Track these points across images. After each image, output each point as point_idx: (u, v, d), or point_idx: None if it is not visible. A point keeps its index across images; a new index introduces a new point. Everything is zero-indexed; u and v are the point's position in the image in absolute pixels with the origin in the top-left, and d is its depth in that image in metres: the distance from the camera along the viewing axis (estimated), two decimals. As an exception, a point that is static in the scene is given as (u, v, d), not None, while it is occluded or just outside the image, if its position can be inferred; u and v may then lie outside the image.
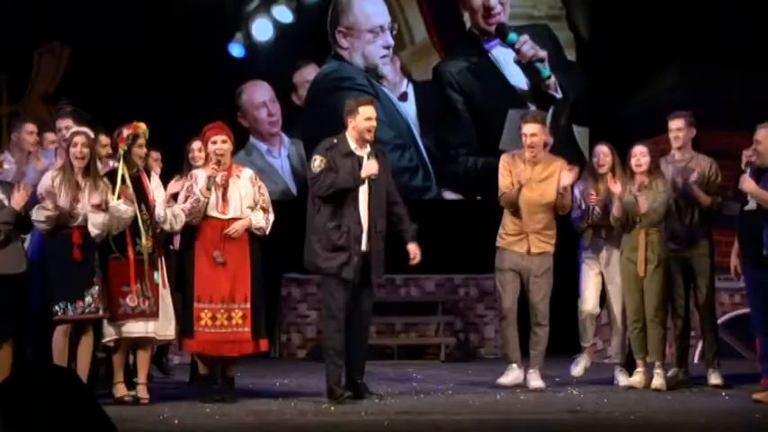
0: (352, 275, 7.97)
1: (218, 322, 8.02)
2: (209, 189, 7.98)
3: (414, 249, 8.28)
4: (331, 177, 7.92)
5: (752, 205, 7.83)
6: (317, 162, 7.96)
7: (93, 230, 7.85)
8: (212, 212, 8.05)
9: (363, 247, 8.01)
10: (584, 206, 8.83)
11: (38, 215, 7.79)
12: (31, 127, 8.70)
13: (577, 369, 9.00)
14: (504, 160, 8.89)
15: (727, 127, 8.66)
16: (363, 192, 8.00)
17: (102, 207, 7.81)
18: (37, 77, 11.28)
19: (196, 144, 8.54)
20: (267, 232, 8.16)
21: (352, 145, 8.03)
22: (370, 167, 7.97)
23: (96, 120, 8.54)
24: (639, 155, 8.59)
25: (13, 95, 11.27)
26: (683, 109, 8.95)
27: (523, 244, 8.69)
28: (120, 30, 11.10)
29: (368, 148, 8.06)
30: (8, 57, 11.15)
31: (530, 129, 8.74)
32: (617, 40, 11.38)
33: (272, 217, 8.19)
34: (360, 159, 8.00)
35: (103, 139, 8.31)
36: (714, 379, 8.65)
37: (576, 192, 8.83)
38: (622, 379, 8.81)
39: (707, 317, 8.82)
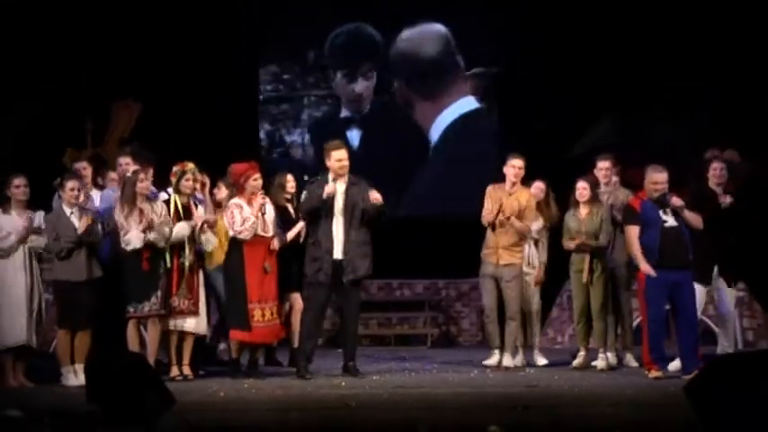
0: (325, 279, 7.97)
1: (266, 317, 8.07)
2: (263, 215, 8.05)
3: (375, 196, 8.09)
4: (306, 203, 8.06)
5: (672, 222, 7.81)
6: (303, 196, 8.09)
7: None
8: (259, 232, 8.09)
9: (337, 255, 7.99)
10: None
11: (128, 242, 7.84)
12: (126, 160, 8.49)
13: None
14: (489, 189, 8.68)
15: (640, 166, 8.66)
16: (338, 213, 8.02)
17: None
18: (115, 126, 11.30)
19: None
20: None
21: (331, 179, 8.05)
22: (327, 189, 7.98)
23: (160, 158, 8.59)
24: (581, 188, 8.56)
25: (96, 140, 11.29)
26: (614, 151, 8.89)
27: (495, 256, 8.62)
28: (181, 89, 11.16)
29: (345, 180, 8.07)
30: (92, 110, 11.18)
31: (518, 162, 8.61)
32: (566, 97, 11.36)
33: None
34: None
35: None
36: (630, 362, 8.60)
37: None
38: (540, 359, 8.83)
39: (626, 312, 8.67)
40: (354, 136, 12.16)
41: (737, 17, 10.88)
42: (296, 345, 8.56)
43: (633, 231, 7.90)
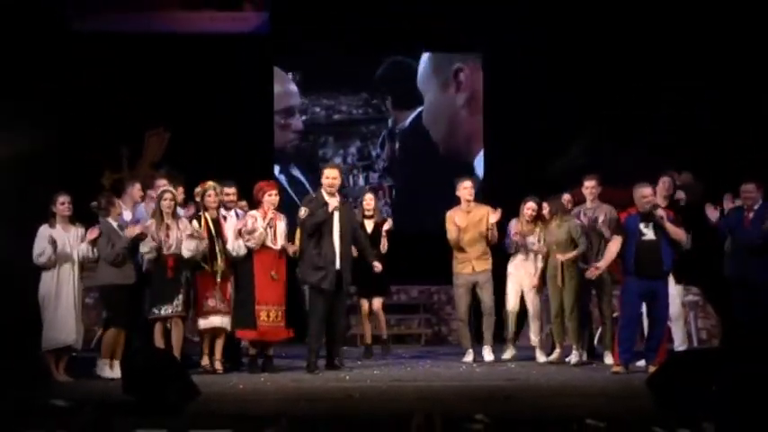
0: (329, 286, 7.98)
1: (271, 318, 8.07)
2: (270, 227, 8.07)
3: (377, 265, 8.38)
4: (311, 218, 7.98)
5: (650, 236, 7.81)
6: (302, 212, 8.03)
7: (187, 252, 7.90)
8: (268, 244, 8.11)
9: (337, 266, 8.01)
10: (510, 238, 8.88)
11: (143, 248, 7.85)
12: (162, 182, 8.46)
13: (506, 354, 9.00)
14: (449, 214, 8.84)
15: (614, 185, 8.63)
16: (336, 229, 8.02)
17: (194, 235, 7.91)
18: (147, 152, 11.31)
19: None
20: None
21: (325, 196, 8.07)
22: (331, 204, 8.00)
23: (187, 179, 8.62)
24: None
25: (131, 164, 11.31)
26: (589, 172, 8.84)
27: (468, 266, 8.74)
28: (204, 120, 11.18)
29: (337, 199, 8.09)
30: (128, 137, 11.20)
31: (468, 184, 8.83)
32: (544, 125, 11.32)
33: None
34: (328, 204, 8.05)
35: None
36: (608, 359, 8.53)
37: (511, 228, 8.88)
38: (540, 356, 8.80)
39: (607, 314, 8.68)
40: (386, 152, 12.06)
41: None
42: (368, 341, 9.09)
43: (615, 240, 7.93)
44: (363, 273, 8.58)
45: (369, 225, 9.07)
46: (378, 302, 9.14)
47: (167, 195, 7.97)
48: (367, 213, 9.11)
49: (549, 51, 11.17)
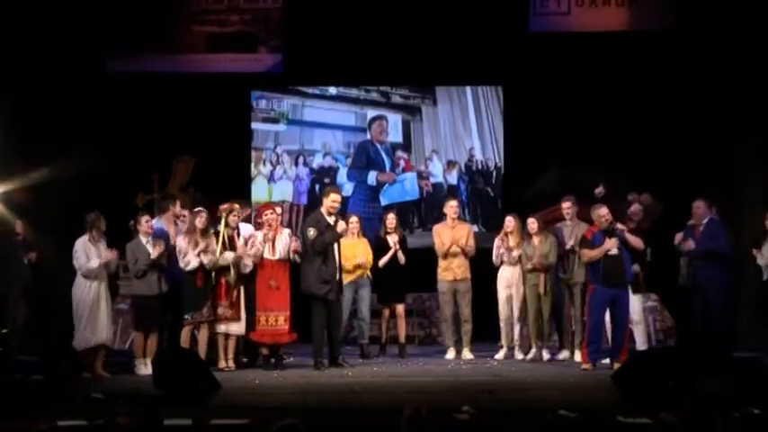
0: (334, 297, 8.03)
1: (270, 323, 8.07)
2: (266, 242, 8.08)
3: (342, 224, 8.15)
4: (321, 239, 7.96)
5: (614, 251, 7.84)
6: (312, 232, 8.00)
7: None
8: (267, 255, 8.12)
9: (337, 278, 8.08)
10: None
11: (187, 263, 7.90)
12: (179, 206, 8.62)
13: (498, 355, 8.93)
14: (436, 228, 8.96)
15: (587, 204, 8.63)
16: (335, 246, 8.08)
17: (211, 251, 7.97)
18: (175, 176, 11.31)
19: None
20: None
21: (326, 216, 8.08)
22: (340, 227, 8.04)
23: (209, 201, 8.66)
24: (531, 222, 8.66)
25: (161, 187, 11.32)
26: (563, 193, 8.83)
27: (450, 274, 8.77)
28: (225, 148, 11.23)
29: (333, 216, 8.11)
30: (157, 163, 11.24)
31: (454, 203, 8.94)
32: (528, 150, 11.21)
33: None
34: (331, 225, 8.05)
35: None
36: (577, 357, 8.51)
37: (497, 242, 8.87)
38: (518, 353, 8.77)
39: (579, 319, 8.62)
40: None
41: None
42: (402, 339, 9.03)
43: (587, 252, 7.95)
44: (386, 283, 8.73)
45: (390, 240, 9.07)
46: (401, 308, 9.10)
47: (203, 215, 8.03)
48: (389, 230, 9.09)
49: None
